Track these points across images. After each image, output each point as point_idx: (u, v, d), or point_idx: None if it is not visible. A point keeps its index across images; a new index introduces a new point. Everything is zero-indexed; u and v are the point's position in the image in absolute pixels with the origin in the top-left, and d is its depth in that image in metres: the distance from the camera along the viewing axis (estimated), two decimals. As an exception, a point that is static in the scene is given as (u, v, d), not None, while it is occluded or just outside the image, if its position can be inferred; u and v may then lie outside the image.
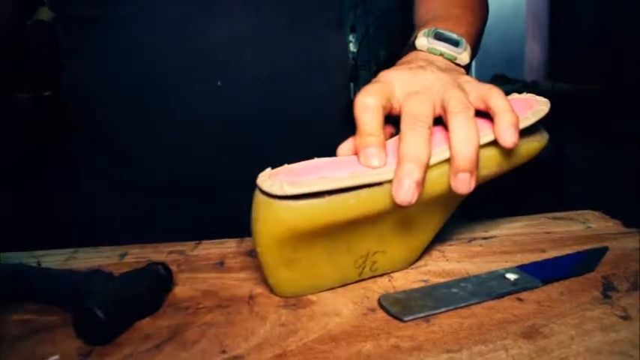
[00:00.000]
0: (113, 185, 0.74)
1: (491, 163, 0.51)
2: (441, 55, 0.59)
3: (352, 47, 2.77)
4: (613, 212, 0.70)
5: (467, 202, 0.55)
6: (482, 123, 0.50)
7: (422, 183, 0.45)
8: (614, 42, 2.51)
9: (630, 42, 2.42)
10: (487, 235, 0.63)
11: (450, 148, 0.47)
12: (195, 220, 0.72)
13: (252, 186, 0.46)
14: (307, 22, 0.75)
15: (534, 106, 0.54)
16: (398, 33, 2.58)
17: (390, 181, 0.46)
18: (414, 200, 0.45)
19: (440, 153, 0.48)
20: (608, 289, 0.50)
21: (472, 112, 0.48)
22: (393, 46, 2.64)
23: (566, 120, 2.37)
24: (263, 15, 0.70)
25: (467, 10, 0.70)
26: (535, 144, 0.54)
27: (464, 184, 0.47)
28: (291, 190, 0.43)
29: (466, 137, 0.47)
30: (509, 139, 0.48)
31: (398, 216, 0.50)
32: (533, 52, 3.34)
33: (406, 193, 0.44)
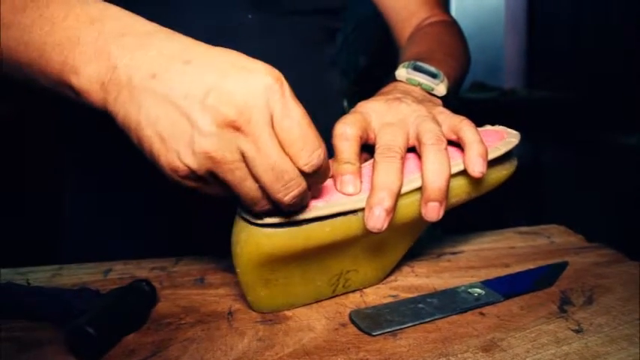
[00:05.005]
0: (99, 201, 0.76)
1: (461, 191, 0.54)
2: (419, 85, 0.62)
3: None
4: (584, 222, 0.73)
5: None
6: (454, 152, 0.53)
7: (392, 210, 0.49)
8: (592, 50, 2.57)
9: (608, 51, 2.47)
10: (455, 250, 0.67)
11: (422, 178, 0.50)
12: (182, 235, 0.74)
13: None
14: (315, 52, 0.78)
15: (505, 138, 0.57)
16: (377, 40, 2.61)
17: (363, 209, 0.49)
18: (384, 227, 0.48)
19: (411, 182, 0.51)
20: (564, 303, 0.53)
21: (444, 145, 0.51)
22: (372, 53, 2.67)
23: (543, 127, 2.41)
24: (278, 41, 0.72)
25: (450, 58, 0.73)
26: (504, 172, 0.57)
27: (434, 213, 0.50)
28: (270, 220, 0.47)
29: (438, 169, 0.50)
30: (477, 169, 0.51)
31: (370, 239, 0.53)
32: (512, 60, 3.38)
33: (377, 220, 0.48)
